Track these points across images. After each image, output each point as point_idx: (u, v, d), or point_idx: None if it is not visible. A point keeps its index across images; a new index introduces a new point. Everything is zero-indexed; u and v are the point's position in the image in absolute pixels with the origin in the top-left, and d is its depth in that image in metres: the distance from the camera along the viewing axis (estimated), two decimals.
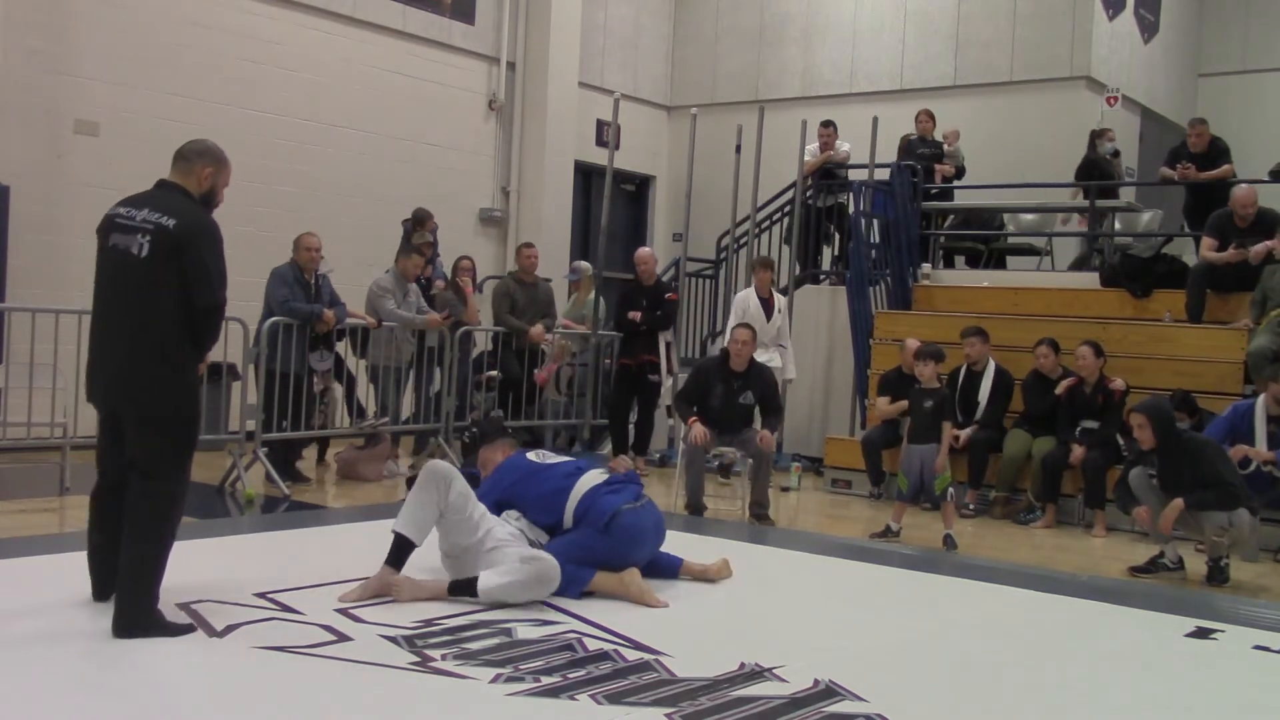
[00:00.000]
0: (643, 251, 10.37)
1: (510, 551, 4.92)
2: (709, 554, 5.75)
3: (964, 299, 10.23)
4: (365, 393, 8.99)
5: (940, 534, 7.08)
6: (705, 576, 5.54)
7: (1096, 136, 11.18)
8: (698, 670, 4.03)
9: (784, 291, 10.80)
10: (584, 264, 11.23)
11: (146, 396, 4.22)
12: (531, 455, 5.54)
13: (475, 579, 4.82)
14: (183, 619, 4.29)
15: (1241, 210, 8.77)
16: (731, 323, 9.53)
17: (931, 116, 11.56)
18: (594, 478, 5.29)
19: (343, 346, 8.76)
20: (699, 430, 7.43)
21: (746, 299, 9.56)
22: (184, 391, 4.29)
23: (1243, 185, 9.03)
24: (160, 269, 4.20)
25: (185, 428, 4.30)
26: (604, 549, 5.08)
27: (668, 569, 5.47)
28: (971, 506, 8.35)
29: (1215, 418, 7.57)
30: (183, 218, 4.29)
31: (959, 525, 7.45)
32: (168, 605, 4.52)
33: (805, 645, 4.53)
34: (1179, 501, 6.16)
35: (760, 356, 9.23)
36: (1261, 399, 7.31)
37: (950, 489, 7.13)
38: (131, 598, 4.11)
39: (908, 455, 7.17)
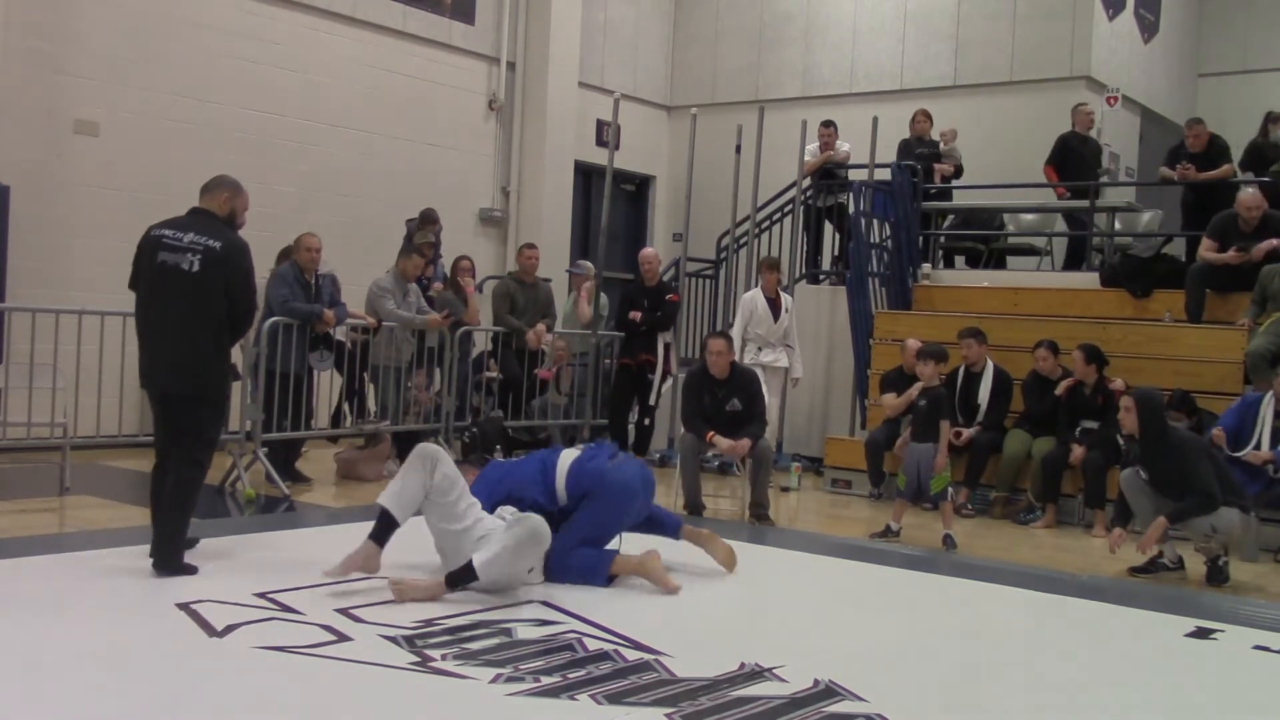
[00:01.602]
0: (646, 252, 10.38)
1: (500, 535, 5.02)
2: (708, 554, 5.77)
3: (964, 299, 10.23)
4: (365, 392, 9.00)
5: (940, 534, 7.08)
6: (701, 543, 5.71)
7: (1272, 121, 10.49)
8: (698, 670, 4.03)
9: (784, 291, 10.81)
10: (589, 264, 11.21)
11: (200, 381, 5.27)
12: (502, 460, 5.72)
13: (468, 568, 4.87)
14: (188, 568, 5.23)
15: (1247, 214, 8.75)
16: (738, 323, 9.57)
17: (928, 116, 11.55)
18: (572, 452, 5.57)
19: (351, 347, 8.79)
20: (726, 444, 7.51)
21: (754, 300, 9.58)
22: (223, 376, 5.47)
23: (1249, 189, 9.00)
24: (209, 281, 5.22)
25: (222, 404, 5.54)
26: (608, 512, 5.32)
27: (670, 527, 5.64)
28: (970, 507, 8.35)
29: (1218, 417, 7.58)
30: (224, 240, 5.30)
31: (959, 525, 7.46)
32: (167, 605, 4.54)
33: (805, 645, 4.53)
34: (1162, 520, 6.16)
35: (767, 357, 9.32)
36: (1269, 395, 7.32)
37: (949, 489, 7.13)
38: (170, 549, 5.21)
39: (908, 454, 7.18)
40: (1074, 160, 10.76)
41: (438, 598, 4.86)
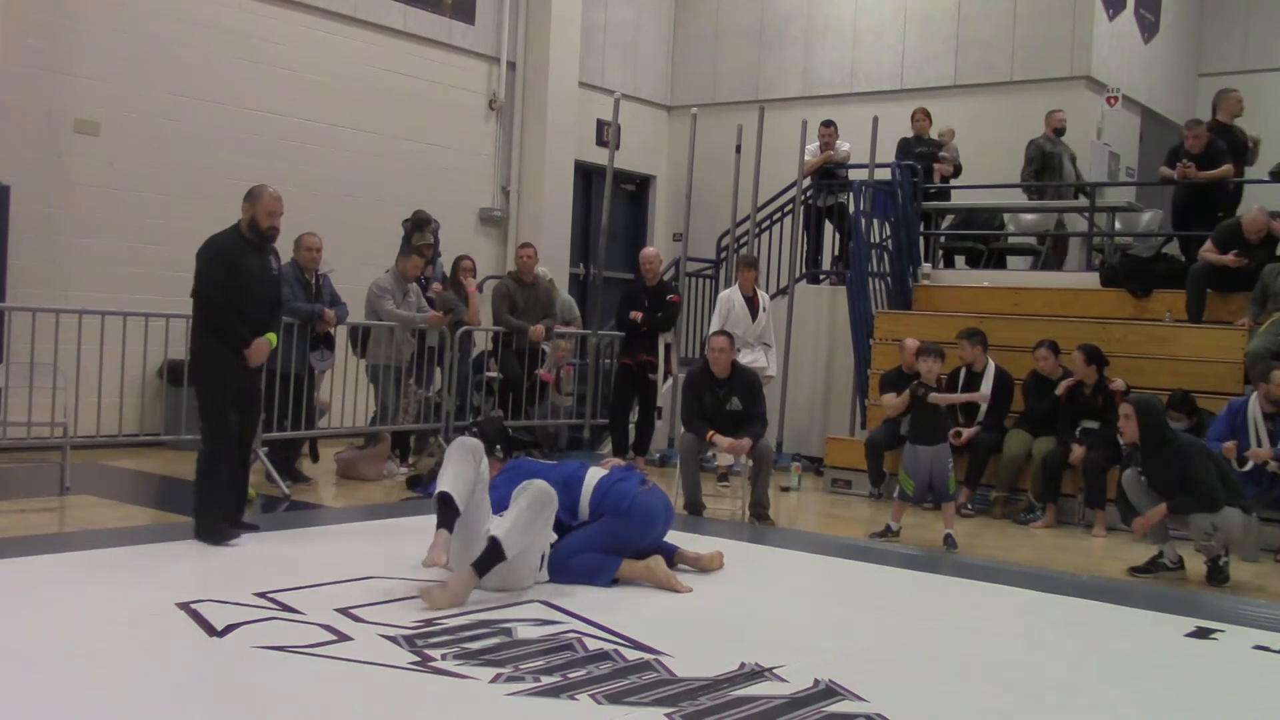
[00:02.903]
0: (648, 252, 10.36)
1: (511, 507, 5.07)
2: (702, 570, 5.76)
3: (964, 299, 10.23)
4: (365, 393, 9.00)
5: (940, 534, 7.07)
6: (698, 565, 5.70)
7: None
8: (698, 670, 4.03)
9: (784, 292, 10.81)
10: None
11: (189, 364, 6.28)
12: (530, 458, 5.70)
13: (491, 545, 4.88)
14: (225, 535, 5.82)
15: (1248, 235, 8.78)
16: (715, 322, 9.47)
17: (928, 115, 11.55)
18: (600, 471, 5.61)
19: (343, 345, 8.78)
20: (727, 443, 7.50)
21: (731, 298, 9.50)
22: (199, 362, 6.07)
23: (1255, 207, 9.00)
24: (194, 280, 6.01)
25: (203, 385, 6.02)
26: (626, 531, 5.35)
27: (665, 554, 5.60)
28: (970, 507, 8.35)
29: (1215, 419, 7.58)
30: (203, 243, 5.97)
31: (959, 525, 7.45)
32: (167, 604, 4.54)
33: (805, 645, 4.53)
34: (1163, 506, 6.17)
35: (745, 357, 9.14)
36: (1254, 396, 7.31)
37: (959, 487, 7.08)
38: (196, 520, 5.91)
39: (913, 456, 7.12)
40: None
41: (467, 594, 4.83)
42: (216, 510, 5.89)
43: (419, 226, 10.00)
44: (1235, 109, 10.23)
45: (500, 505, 5.19)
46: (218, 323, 5.92)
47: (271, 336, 6.17)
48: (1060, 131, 11.28)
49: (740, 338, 9.23)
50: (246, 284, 5.98)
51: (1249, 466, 7.13)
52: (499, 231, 12.97)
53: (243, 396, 6.09)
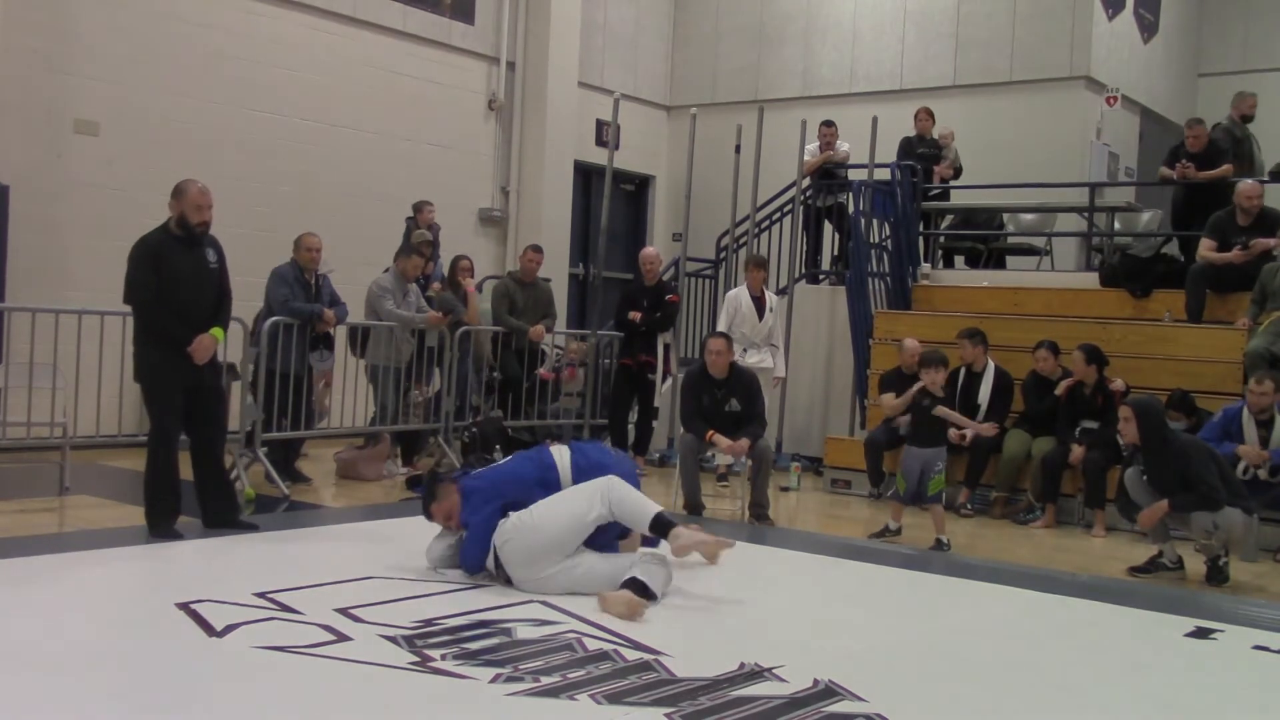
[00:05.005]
0: (647, 252, 10.36)
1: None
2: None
3: (964, 299, 10.23)
4: (365, 393, 9.00)
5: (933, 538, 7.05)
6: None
7: None
8: (698, 670, 4.03)
9: (783, 292, 10.81)
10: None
11: (134, 368, 6.07)
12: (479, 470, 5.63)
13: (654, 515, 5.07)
14: (173, 536, 5.89)
15: (1246, 203, 8.75)
16: (722, 322, 9.46)
17: (931, 114, 11.54)
18: (563, 448, 5.52)
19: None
20: (726, 444, 7.49)
21: (738, 298, 9.48)
22: (140, 363, 5.99)
23: (1247, 180, 9.03)
24: None
25: (145, 387, 6.05)
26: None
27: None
28: (970, 507, 8.35)
29: (1207, 424, 7.58)
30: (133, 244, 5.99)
31: (960, 525, 7.45)
32: (167, 605, 4.54)
33: (805, 645, 4.53)
34: (1164, 503, 6.18)
35: (752, 357, 9.15)
36: (1245, 405, 7.32)
37: (943, 491, 7.02)
38: (148, 517, 5.99)
39: (908, 457, 7.14)
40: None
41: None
42: (162, 508, 5.94)
43: (417, 212, 10.09)
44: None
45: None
46: (154, 324, 5.89)
47: (217, 332, 6.02)
48: (1248, 118, 10.76)
49: (746, 337, 9.25)
50: (178, 282, 5.90)
51: (1249, 474, 7.12)
52: (499, 231, 12.97)
53: (202, 396, 6.05)
